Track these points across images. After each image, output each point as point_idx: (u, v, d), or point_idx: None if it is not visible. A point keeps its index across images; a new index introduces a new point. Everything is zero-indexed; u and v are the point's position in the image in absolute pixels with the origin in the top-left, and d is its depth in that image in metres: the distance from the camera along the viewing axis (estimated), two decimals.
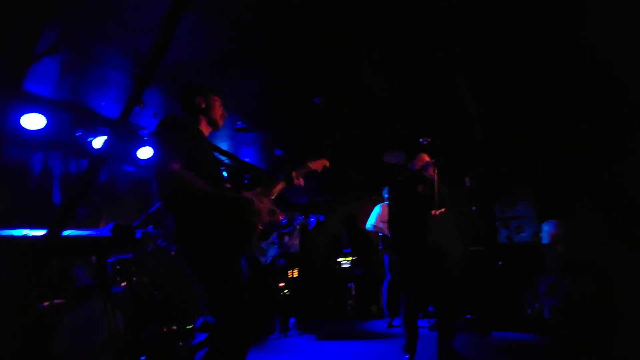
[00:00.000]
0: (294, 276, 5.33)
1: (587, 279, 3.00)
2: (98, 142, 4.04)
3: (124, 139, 4.34)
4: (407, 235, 2.96)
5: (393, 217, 3.12)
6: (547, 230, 3.51)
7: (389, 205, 3.24)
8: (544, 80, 3.47)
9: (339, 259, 6.19)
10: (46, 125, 3.48)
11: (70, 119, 3.74)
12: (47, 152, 3.85)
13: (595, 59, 3.12)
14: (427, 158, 3.15)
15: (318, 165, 2.17)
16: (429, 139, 4.86)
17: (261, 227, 1.61)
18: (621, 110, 3.59)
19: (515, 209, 4.90)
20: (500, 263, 4.30)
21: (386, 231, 4.64)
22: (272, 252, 4.63)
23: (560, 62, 3.18)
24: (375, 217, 4.79)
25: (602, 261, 3.03)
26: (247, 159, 5.68)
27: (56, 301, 2.44)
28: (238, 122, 4.29)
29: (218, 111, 1.88)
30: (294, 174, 1.95)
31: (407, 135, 4.77)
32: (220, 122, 1.89)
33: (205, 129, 1.85)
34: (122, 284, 3.04)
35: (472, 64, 3.23)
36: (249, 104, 3.96)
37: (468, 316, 4.24)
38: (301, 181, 1.98)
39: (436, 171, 2.97)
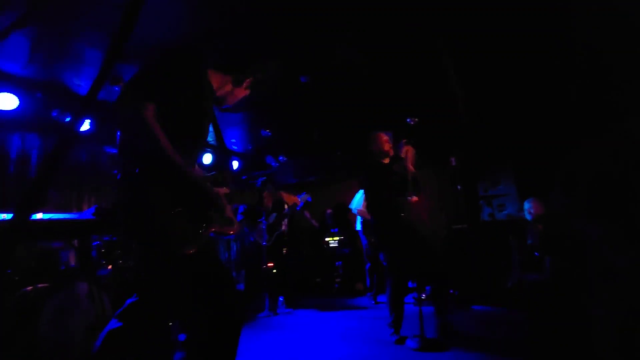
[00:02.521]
0: (283, 256, 5.39)
1: (564, 255, 3.12)
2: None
3: (104, 120, 4.21)
4: (387, 217, 2.96)
5: (371, 200, 3.12)
6: (527, 208, 3.62)
7: (365, 189, 3.23)
8: (527, 61, 3.48)
9: (326, 239, 6.28)
10: (20, 105, 3.34)
11: (46, 98, 3.60)
12: (22, 134, 3.71)
13: (577, 41, 3.13)
14: (385, 137, 3.11)
15: (290, 199, 2.17)
16: (416, 119, 4.89)
17: (213, 230, 1.35)
18: (601, 91, 3.65)
19: (497, 187, 5.00)
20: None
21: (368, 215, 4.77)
22: (275, 232, 4.65)
23: (543, 43, 3.18)
24: (361, 200, 4.87)
25: (579, 238, 3.14)
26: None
27: (40, 285, 2.42)
28: None
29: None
30: (265, 194, 1.93)
31: (395, 116, 4.78)
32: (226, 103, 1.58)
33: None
34: (108, 267, 3.02)
35: (459, 45, 3.21)
36: None
37: (451, 291, 4.39)
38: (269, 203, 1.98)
39: (409, 151, 2.94)
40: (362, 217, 4.92)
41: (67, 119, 3.71)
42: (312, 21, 2.88)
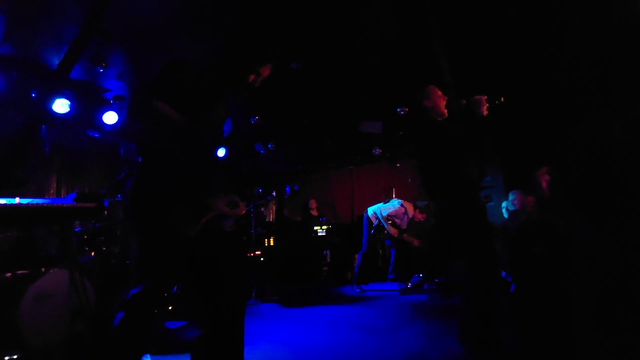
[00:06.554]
0: (270, 244, 5.38)
1: (546, 244, 3.19)
2: (58, 105, 3.77)
3: (86, 101, 4.06)
4: (465, 204, 2.12)
5: (438, 175, 2.19)
6: (511, 200, 3.67)
7: (427, 159, 2.28)
8: (517, 49, 3.49)
9: (315, 228, 6.28)
10: None
11: (23, 78, 3.43)
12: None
13: (570, 28, 3.16)
14: (440, 92, 2.30)
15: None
16: (406, 109, 4.88)
17: (212, 214, 1.41)
18: (590, 81, 3.70)
19: (484, 178, 5.06)
20: None
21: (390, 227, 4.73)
22: None
23: (534, 31, 3.19)
24: (390, 208, 4.83)
25: (561, 226, 3.21)
26: None
27: (19, 272, 2.34)
28: None
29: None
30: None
31: (385, 105, 4.77)
32: None
33: None
34: (91, 254, 2.95)
35: (449, 33, 3.19)
36: None
37: (437, 280, 4.46)
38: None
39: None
40: (383, 222, 4.86)
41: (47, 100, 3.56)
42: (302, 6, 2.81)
